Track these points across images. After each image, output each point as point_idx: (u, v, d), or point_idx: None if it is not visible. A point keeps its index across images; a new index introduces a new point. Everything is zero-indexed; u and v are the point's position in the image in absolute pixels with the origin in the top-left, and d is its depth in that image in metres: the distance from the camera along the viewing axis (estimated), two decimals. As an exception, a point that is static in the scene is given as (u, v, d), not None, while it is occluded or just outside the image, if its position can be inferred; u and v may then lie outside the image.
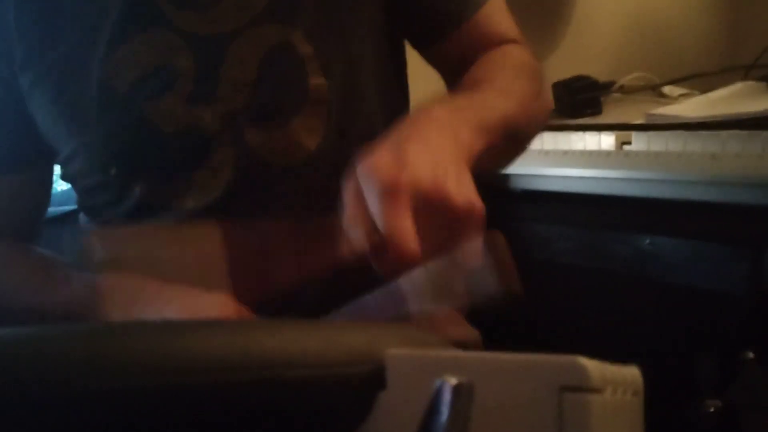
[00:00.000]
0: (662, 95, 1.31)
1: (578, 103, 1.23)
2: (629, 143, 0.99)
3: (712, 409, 0.75)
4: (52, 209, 0.85)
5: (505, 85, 0.67)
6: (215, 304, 0.61)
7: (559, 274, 1.06)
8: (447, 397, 0.33)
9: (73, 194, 0.82)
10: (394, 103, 0.77)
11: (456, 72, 0.72)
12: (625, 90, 1.32)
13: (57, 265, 0.77)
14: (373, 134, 0.58)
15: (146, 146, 0.70)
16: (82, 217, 0.82)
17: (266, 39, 0.69)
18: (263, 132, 0.69)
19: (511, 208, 1.12)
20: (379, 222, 0.46)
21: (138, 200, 0.71)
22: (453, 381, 0.33)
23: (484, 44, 0.75)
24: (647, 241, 0.95)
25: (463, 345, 0.49)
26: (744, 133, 0.87)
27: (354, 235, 0.49)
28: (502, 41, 0.76)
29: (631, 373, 0.40)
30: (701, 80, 1.29)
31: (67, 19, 0.70)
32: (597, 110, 1.23)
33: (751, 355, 0.74)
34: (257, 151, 0.69)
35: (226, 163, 0.69)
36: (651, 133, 0.96)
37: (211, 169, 0.69)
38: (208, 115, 0.69)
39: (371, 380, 0.43)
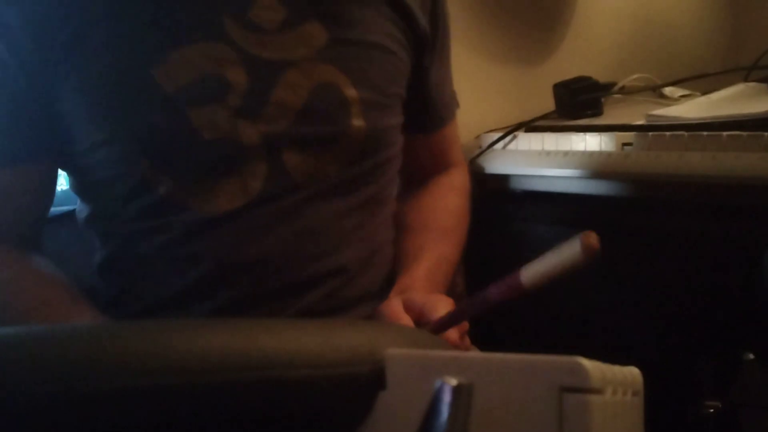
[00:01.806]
0: (663, 96, 1.31)
1: (579, 103, 1.22)
2: (630, 144, 0.99)
3: (712, 410, 0.75)
4: (52, 209, 0.85)
5: (450, 232, 0.88)
6: None
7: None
8: (447, 397, 0.33)
9: (72, 195, 0.82)
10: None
11: (413, 163, 0.90)
12: (625, 91, 1.32)
13: (59, 293, 0.76)
14: (389, 167, 0.82)
15: (182, 147, 0.71)
16: (79, 211, 0.82)
17: (318, 75, 0.74)
18: (299, 156, 0.74)
19: (511, 208, 1.12)
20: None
21: (159, 197, 0.72)
22: (453, 381, 0.33)
23: (441, 156, 0.95)
24: (647, 241, 0.95)
25: None
26: (744, 134, 0.87)
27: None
28: (453, 162, 0.96)
29: (631, 373, 0.40)
30: (702, 81, 1.29)
31: (130, 7, 0.71)
32: (598, 111, 1.23)
33: (751, 355, 0.74)
34: (290, 172, 0.73)
35: (258, 177, 0.73)
36: (652, 134, 0.96)
37: (241, 180, 0.72)
38: (251, 131, 0.72)
39: (371, 380, 0.43)
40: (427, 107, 0.89)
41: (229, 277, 0.73)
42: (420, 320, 0.69)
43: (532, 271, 0.54)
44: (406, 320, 0.69)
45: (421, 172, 0.94)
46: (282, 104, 0.72)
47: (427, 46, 0.84)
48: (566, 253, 0.48)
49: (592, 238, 0.47)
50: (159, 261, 0.75)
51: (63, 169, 0.80)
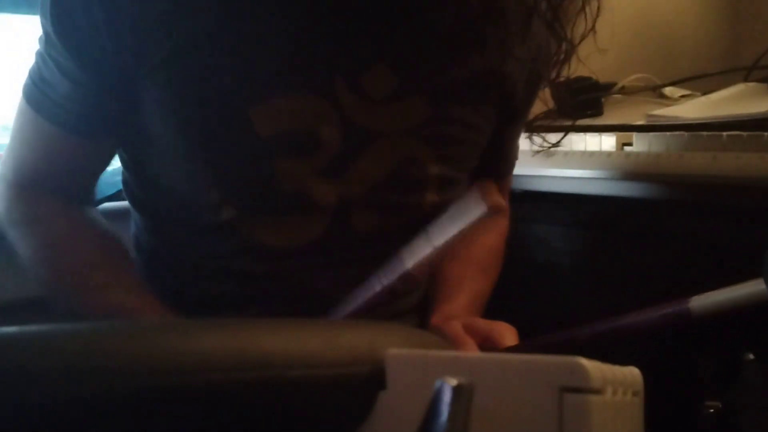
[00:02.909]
0: (663, 96, 1.31)
1: (579, 103, 1.22)
2: (630, 144, 0.99)
3: (712, 410, 0.75)
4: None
5: (488, 269, 0.90)
6: None
7: (559, 274, 1.06)
8: (447, 397, 0.33)
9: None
10: None
11: None
12: (626, 91, 1.32)
13: (107, 256, 0.76)
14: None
15: (258, 190, 0.70)
16: (125, 183, 0.81)
17: (407, 149, 0.73)
18: (367, 216, 0.74)
19: (511, 208, 1.12)
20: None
21: (220, 220, 0.70)
22: (453, 381, 0.33)
23: None
24: (647, 241, 0.95)
25: None
26: (745, 134, 0.87)
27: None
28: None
29: (631, 373, 0.40)
30: (702, 81, 1.29)
31: (243, 40, 0.68)
32: (598, 111, 1.23)
33: (751, 356, 0.74)
34: (354, 226, 0.73)
35: (321, 226, 0.72)
36: (652, 134, 0.96)
37: (305, 224, 0.72)
38: (328, 191, 0.71)
39: (371, 380, 0.43)
40: (493, 161, 0.87)
41: (267, 297, 0.73)
42: (485, 344, 0.69)
43: (708, 302, 0.55)
44: (471, 343, 0.69)
45: None
46: (365, 172, 0.72)
47: (515, 117, 0.84)
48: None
49: None
50: (199, 268, 0.75)
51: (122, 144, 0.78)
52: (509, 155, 0.91)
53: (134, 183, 0.79)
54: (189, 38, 0.66)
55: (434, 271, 0.86)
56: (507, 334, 0.70)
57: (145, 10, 0.65)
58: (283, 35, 0.68)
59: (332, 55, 0.69)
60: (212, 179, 0.69)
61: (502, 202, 0.54)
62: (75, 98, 0.70)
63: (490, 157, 0.84)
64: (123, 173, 0.81)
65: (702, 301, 0.54)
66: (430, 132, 0.73)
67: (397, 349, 0.44)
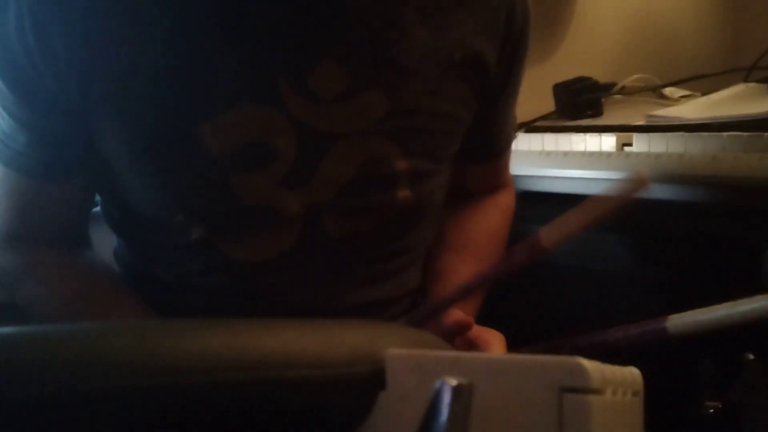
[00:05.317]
0: (663, 97, 1.31)
1: (579, 104, 1.23)
2: (630, 144, 0.99)
3: (712, 410, 0.75)
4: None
5: (487, 258, 0.87)
6: None
7: (559, 274, 1.06)
8: (447, 397, 0.33)
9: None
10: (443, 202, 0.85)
11: (461, 186, 0.88)
12: (626, 91, 1.32)
13: (98, 287, 0.76)
14: (430, 218, 0.80)
15: (219, 209, 0.69)
16: (103, 211, 0.80)
17: (369, 148, 0.70)
18: (338, 220, 0.72)
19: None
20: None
21: (191, 240, 0.70)
22: (453, 381, 0.33)
23: (492, 181, 0.93)
24: (647, 242, 0.95)
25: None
26: (745, 134, 0.87)
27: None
28: (502, 184, 0.95)
29: (631, 373, 0.40)
30: (702, 82, 1.29)
31: (185, 58, 0.66)
32: (598, 111, 1.23)
33: (751, 356, 0.74)
34: (327, 231, 0.72)
35: (292, 237, 0.71)
36: (652, 135, 0.96)
37: (275, 238, 0.71)
38: (293, 200, 0.69)
39: (371, 380, 0.43)
40: (486, 142, 0.85)
41: (246, 311, 0.73)
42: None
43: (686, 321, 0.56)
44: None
45: (468, 194, 0.91)
46: (329, 177, 0.70)
47: (498, 93, 0.80)
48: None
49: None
50: (176, 284, 0.75)
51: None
52: (502, 133, 0.88)
53: (108, 206, 0.79)
54: (127, 65, 0.65)
55: (427, 262, 0.85)
56: (494, 342, 0.69)
57: (80, 37, 0.64)
58: (221, 50, 0.66)
59: (272, 61, 0.67)
60: (174, 202, 0.69)
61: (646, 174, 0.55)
62: (35, 145, 0.70)
63: (481, 136, 0.82)
64: (99, 197, 0.81)
65: (678, 320, 0.56)
66: (392, 127, 0.70)
67: (397, 349, 0.44)
